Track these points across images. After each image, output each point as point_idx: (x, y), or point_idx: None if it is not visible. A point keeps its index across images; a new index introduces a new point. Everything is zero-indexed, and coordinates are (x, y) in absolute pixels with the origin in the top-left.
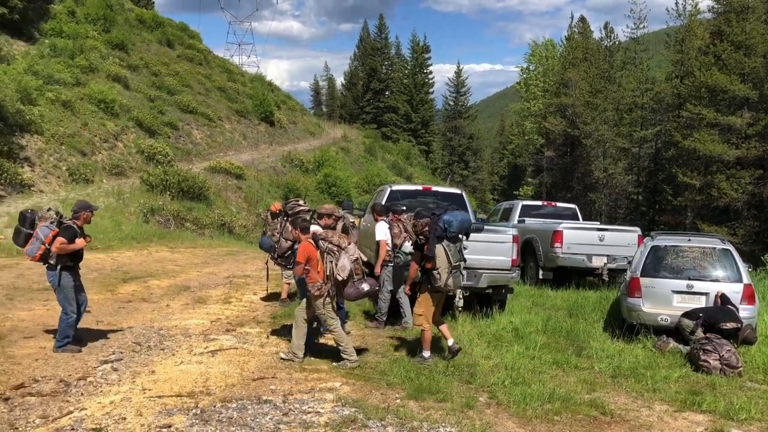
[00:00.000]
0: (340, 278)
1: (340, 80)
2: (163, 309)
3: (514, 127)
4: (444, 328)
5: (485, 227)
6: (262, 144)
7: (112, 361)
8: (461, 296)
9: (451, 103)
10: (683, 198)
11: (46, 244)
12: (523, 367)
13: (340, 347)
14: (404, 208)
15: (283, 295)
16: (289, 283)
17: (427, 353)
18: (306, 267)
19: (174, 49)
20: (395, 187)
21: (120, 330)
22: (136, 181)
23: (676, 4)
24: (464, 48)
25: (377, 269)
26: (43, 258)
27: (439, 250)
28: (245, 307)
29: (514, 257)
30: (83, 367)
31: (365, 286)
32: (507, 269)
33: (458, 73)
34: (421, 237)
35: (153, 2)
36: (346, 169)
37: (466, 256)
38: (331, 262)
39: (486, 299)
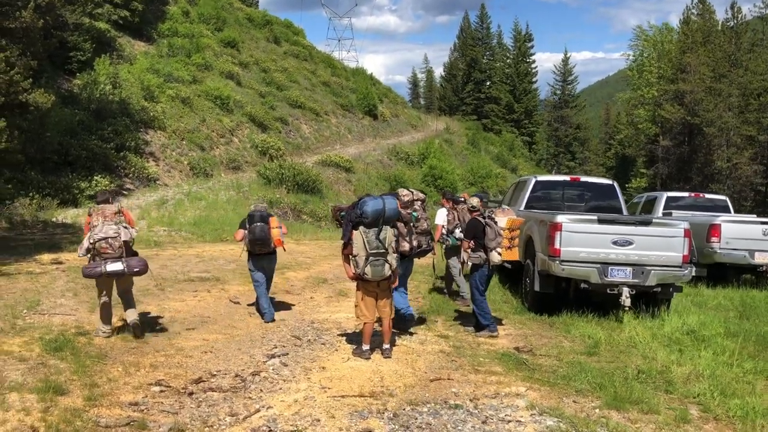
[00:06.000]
0: (78, 254)
1: (438, 72)
2: (309, 301)
3: (622, 116)
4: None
5: (653, 220)
6: (366, 137)
7: (279, 356)
8: (628, 295)
9: (558, 92)
10: None
11: None
12: (725, 377)
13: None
14: (462, 198)
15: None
16: None
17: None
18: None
19: (281, 46)
20: (540, 178)
21: (274, 322)
22: (252, 175)
23: None
24: (564, 36)
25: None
26: None
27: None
28: None
29: (686, 253)
30: (252, 360)
31: (110, 267)
32: (678, 266)
33: (565, 61)
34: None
35: (257, 2)
36: (450, 161)
37: (631, 252)
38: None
39: (650, 298)
